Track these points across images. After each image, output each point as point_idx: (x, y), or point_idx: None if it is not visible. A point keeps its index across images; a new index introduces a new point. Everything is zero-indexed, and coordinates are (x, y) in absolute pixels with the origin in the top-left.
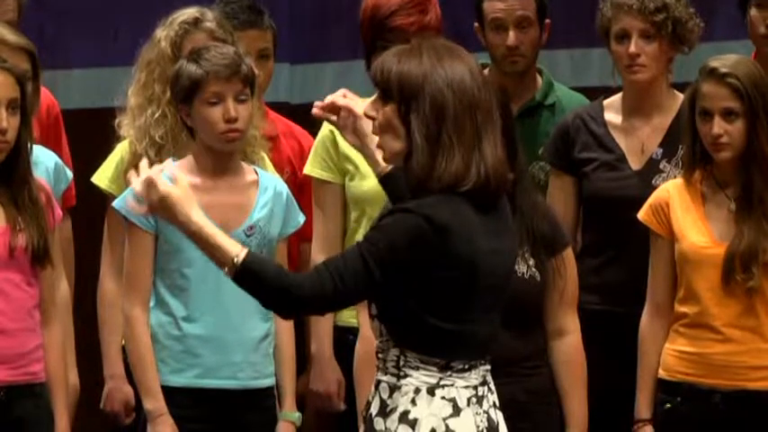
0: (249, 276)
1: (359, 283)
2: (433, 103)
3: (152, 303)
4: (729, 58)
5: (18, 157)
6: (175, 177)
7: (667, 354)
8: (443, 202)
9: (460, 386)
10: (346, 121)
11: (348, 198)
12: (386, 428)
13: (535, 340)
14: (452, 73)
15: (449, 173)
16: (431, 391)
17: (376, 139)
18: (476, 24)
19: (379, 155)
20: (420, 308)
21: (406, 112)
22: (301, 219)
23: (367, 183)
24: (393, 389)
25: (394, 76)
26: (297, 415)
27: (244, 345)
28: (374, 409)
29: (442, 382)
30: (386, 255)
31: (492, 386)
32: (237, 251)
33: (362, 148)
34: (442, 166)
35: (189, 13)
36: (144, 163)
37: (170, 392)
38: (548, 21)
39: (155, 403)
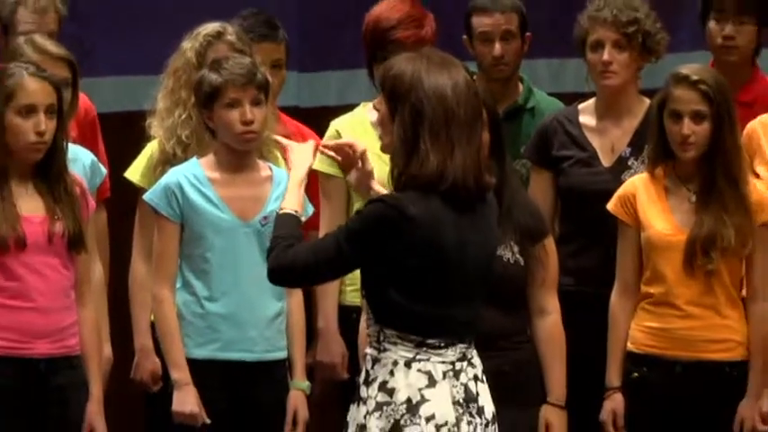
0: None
1: (330, 256)
2: (411, 110)
3: (178, 284)
4: (696, 67)
5: (55, 155)
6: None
7: (634, 329)
8: (417, 197)
9: (436, 361)
10: (351, 160)
11: (351, 190)
12: (368, 396)
13: (520, 318)
14: (436, 85)
15: (422, 174)
16: (408, 365)
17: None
18: (464, 37)
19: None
20: (395, 291)
21: (392, 114)
22: (310, 210)
23: None
24: (375, 361)
25: (388, 80)
26: (306, 384)
27: (259, 322)
28: (361, 378)
29: (417, 357)
30: (354, 233)
31: (474, 361)
32: (286, 205)
33: (359, 187)
34: (416, 167)
35: (212, 27)
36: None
37: (194, 364)
38: (528, 34)
39: (180, 374)
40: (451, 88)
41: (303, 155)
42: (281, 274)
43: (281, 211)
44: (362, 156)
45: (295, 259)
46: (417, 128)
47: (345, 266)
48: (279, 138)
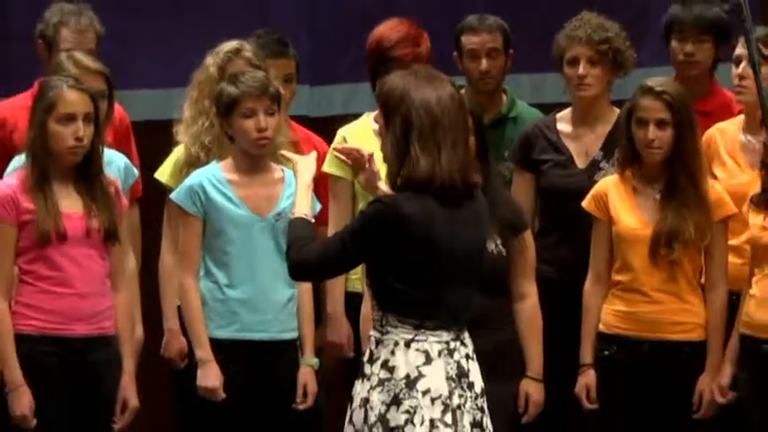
0: (287, 229)
1: (338, 253)
2: (402, 120)
3: (201, 273)
4: (661, 80)
5: (92, 159)
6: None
7: (606, 312)
8: (411, 197)
9: (433, 341)
10: (360, 163)
11: (356, 191)
12: (371, 372)
13: (502, 302)
14: (422, 98)
15: (414, 176)
16: (407, 345)
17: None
18: (455, 54)
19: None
20: (395, 281)
21: (386, 125)
22: (318, 207)
23: None
24: (378, 342)
25: (382, 95)
26: (315, 360)
27: (273, 306)
28: (365, 357)
29: (416, 338)
30: (356, 232)
31: (466, 341)
32: (297, 210)
33: (368, 186)
34: (408, 170)
35: (231, 44)
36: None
37: (216, 343)
38: (511, 51)
39: (203, 352)
40: (436, 100)
41: (308, 165)
42: (299, 270)
43: (294, 216)
44: (370, 159)
45: (308, 257)
46: (408, 136)
47: (351, 261)
48: (285, 152)
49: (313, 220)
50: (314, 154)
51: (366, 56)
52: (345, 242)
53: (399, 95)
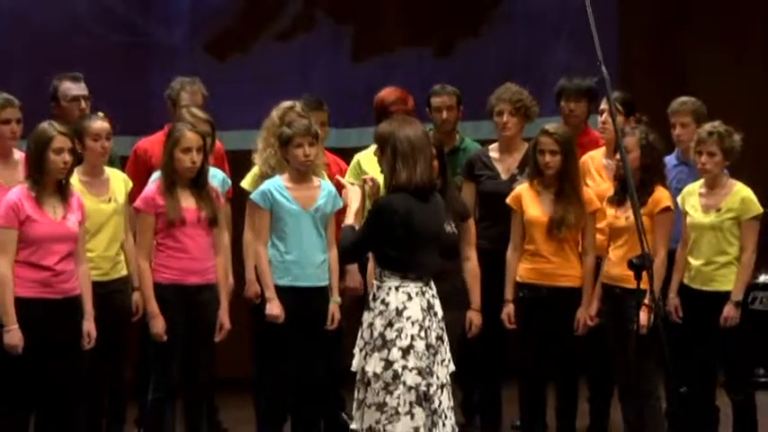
0: (342, 233)
1: (361, 238)
2: (391, 149)
3: (269, 245)
4: (554, 125)
5: (201, 174)
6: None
7: (520, 269)
8: (399, 198)
9: (412, 286)
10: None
11: (366, 193)
12: (374, 306)
13: (455, 262)
14: (404, 133)
15: (399, 183)
16: (396, 289)
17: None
18: (427, 109)
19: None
20: (389, 248)
21: (382, 154)
22: (340, 203)
23: None
24: (378, 287)
25: (379, 136)
26: (339, 299)
27: (313, 265)
28: (370, 297)
29: (402, 284)
30: (366, 223)
31: (432, 286)
32: (348, 222)
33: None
34: (396, 179)
35: (287, 103)
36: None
37: (277, 288)
38: (462, 107)
39: (270, 293)
40: (412, 134)
41: (355, 195)
42: (344, 255)
43: (346, 225)
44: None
45: (348, 245)
46: (395, 158)
47: (368, 243)
48: (341, 179)
49: (357, 227)
50: (358, 189)
51: (373, 111)
52: (362, 232)
53: (389, 133)
